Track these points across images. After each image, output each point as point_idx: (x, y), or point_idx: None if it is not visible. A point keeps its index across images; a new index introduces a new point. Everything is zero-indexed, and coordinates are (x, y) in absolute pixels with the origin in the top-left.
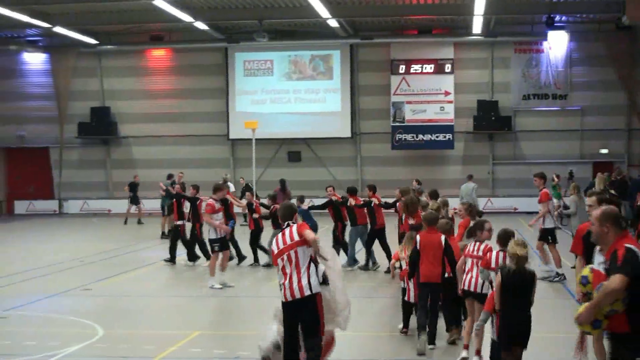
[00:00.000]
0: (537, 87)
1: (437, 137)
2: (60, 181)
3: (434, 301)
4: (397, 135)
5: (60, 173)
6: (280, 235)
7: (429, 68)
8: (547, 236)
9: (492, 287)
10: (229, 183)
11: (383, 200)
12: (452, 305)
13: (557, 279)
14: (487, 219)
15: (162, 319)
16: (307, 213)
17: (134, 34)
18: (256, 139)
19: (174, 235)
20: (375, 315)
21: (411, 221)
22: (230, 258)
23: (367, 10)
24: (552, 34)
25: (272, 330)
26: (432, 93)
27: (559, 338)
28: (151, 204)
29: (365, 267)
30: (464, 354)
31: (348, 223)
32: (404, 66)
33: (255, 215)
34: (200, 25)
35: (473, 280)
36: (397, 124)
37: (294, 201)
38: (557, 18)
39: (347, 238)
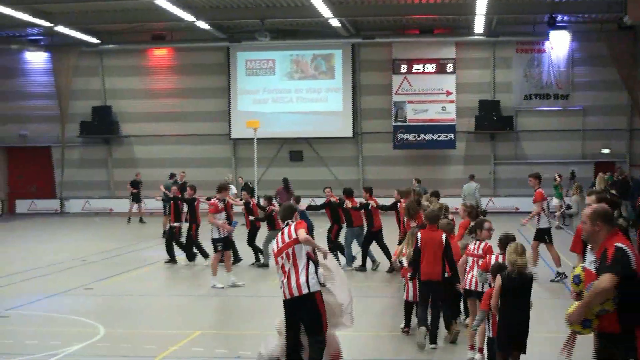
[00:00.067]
0: (538, 87)
1: (438, 136)
2: (62, 180)
3: (435, 300)
4: (399, 135)
5: (62, 172)
6: (280, 234)
7: (431, 68)
8: (544, 236)
9: (490, 286)
10: (231, 186)
11: (381, 201)
12: (452, 304)
13: (557, 278)
14: (487, 219)
15: (164, 319)
16: (303, 213)
17: (136, 33)
18: (258, 139)
19: (168, 236)
20: (376, 314)
21: (413, 224)
22: None
23: (368, 9)
24: (553, 34)
25: (273, 344)
26: (434, 93)
27: (559, 338)
28: (153, 203)
29: (362, 268)
30: (470, 354)
31: (344, 225)
32: (405, 66)
33: (251, 217)
34: (202, 25)
35: (474, 279)
36: (399, 123)
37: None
38: (559, 18)
39: (342, 240)
